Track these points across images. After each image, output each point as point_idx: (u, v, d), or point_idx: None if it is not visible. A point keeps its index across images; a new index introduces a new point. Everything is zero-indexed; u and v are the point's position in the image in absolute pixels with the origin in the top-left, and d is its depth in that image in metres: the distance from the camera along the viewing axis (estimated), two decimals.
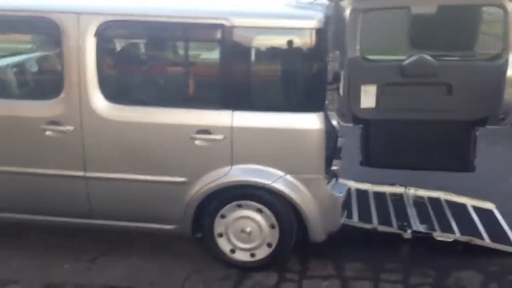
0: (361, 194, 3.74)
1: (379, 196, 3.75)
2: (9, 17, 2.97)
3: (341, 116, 3.61)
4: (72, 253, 3.19)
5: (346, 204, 3.19)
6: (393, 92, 3.48)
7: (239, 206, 2.96)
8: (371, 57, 3.79)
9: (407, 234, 3.23)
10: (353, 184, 3.85)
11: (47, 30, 3.01)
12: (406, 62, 3.46)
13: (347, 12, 3.37)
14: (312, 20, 2.73)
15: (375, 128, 3.63)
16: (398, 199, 3.73)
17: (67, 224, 3.12)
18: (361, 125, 3.68)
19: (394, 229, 3.28)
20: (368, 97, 3.52)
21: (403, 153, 3.60)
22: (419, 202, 3.68)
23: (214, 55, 2.87)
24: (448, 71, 3.42)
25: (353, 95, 3.48)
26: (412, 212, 3.52)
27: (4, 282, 2.88)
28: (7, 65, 3.50)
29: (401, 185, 3.88)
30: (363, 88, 3.50)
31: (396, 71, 3.47)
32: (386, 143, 3.63)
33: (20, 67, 3.52)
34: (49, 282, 2.90)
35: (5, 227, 3.33)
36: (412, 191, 3.82)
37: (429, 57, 3.43)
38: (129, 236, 3.33)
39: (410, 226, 3.29)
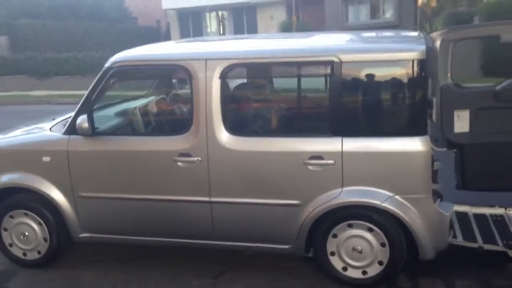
0: (461, 215, 3.83)
1: (480, 217, 3.83)
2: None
3: (435, 141, 3.78)
4: (197, 271, 3.55)
5: (451, 224, 3.32)
6: (486, 116, 3.62)
7: (350, 225, 3.19)
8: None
9: None
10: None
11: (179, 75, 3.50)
12: (500, 87, 3.61)
13: (438, 43, 3.62)
14: (415, 52, 3.01)
15: (470, 151, 3.76)
16: (499, 220, 3.78)
17: (192, 245, 3.48)
18: (455, 150, 3.82)
19: (500, 247, 3.35)
20: (461, 122, 3.69)
21: (499, 175, 3.68)
22: None
23: (324, 88, 3.18)
24: None
25: (447, 120, 3.66)
26: None
27: None
28: (143, 106, 4.02)
29: (500, 206, 3.93)
30: (456, 113, 3.67)
31: (489, 96, 3.63)
32: (482, 166, 3.73)
33: (151, 107, 4.04)
34: None
35: (144, 249, 3.76)
36: None
37: None
38: (244, 255, 3.64)
39: None
